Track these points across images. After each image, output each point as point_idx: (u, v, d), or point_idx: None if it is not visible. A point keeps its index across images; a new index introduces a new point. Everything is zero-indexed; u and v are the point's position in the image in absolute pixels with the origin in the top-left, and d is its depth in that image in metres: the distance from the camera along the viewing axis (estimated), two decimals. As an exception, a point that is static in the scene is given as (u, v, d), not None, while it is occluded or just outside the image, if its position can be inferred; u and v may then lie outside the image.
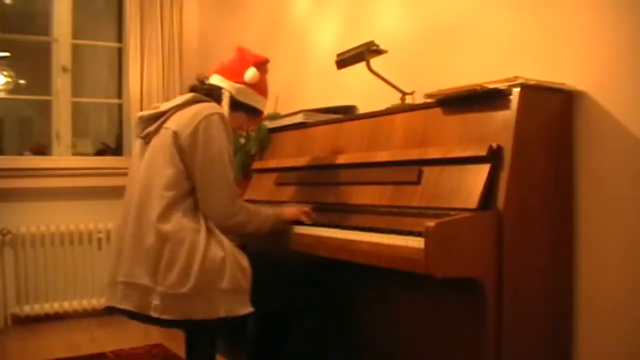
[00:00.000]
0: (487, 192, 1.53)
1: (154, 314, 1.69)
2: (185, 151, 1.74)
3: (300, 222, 1.96)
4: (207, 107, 1.81)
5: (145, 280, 1.70)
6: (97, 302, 3.74)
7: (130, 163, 1.93)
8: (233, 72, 1.99)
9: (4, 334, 3.41)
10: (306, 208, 2.01)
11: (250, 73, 1.97)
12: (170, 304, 1.66)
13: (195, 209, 1.76)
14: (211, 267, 1.68)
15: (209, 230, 1.74)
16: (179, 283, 1.65)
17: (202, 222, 1.74)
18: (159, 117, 1.84)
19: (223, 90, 1.95)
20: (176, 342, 2.90)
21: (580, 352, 1.69)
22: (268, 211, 1.90)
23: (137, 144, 1.91)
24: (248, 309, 1.73)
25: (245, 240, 2.09)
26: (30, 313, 3.57)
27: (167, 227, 1.69)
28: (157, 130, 1.82)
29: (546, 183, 1.63)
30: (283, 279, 1.97)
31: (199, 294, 1.66)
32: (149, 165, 1.79)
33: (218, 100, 1.93)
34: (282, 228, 1.95)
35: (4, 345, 3.22)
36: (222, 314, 1.68)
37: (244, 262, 1.77)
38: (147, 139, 1.85)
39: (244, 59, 2.01)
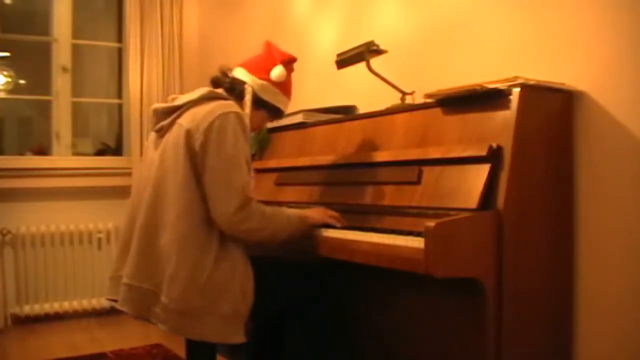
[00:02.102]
0: (487, 192, 1.53)
1: (154, 321, 1.68)
2: (197, 152, 1.66)
3: (327, 225, 1.84)
4: (223, 105, 1.72)
5: (148, 285, 1.68)
6: (97, 302, 3.75)
7: (144, 154, 1.88)
8: (259, 67, 1.88)
9: (4, 334, 3.41)
10: (333, 212, 1.87)
11: (278, 71, 1.86)
12: (170, 317, 1.64)
13: (210, 220, 1.66)
14: (215, 288, 1.63)
15: (221, 246, 1.67)
16: (180, 299, 1.62)
17: (215, 236, 1.66)
18: (174, 112, 1.77)
19: (246, 86, 1.85)
20: (176, 342, 2.90)
21: (580, 352, 1.69)
22: (291, 213, 1.77)
23: (150, 136, 1.87)
24: (241, 339, 1.68)
25: (266, 251, 1.92)
26: (30, 313, 3.57)
27: (179, 235, 1.64)
28: (170, 125, 1.76)
29: (546, 183, 1.63)
30: (283, 280, 1.96)
31: (197, 316, 1.63)
32: (162, 162, 1.73)
33: (240, 95, 1.84)
34: (306, 234, 1.80)
35: (4, 345, 3.22)
36: (215, 339, 1.66)
37: (249, 288, 1.71)
38: (160, 133, 1.79)
39: (271, 55, 1.90)
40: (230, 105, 1.75)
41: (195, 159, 1.67)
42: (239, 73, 1.89)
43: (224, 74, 1.90)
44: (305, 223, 1.80)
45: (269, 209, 1.72)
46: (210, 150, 1.65)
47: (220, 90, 1.84)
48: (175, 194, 1.67)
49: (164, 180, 1.71)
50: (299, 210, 1.84)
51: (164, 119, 1.79)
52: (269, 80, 1.87)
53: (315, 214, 1.84)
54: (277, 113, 1.96)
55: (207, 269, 1.63)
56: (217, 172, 1.65)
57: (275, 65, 1.87)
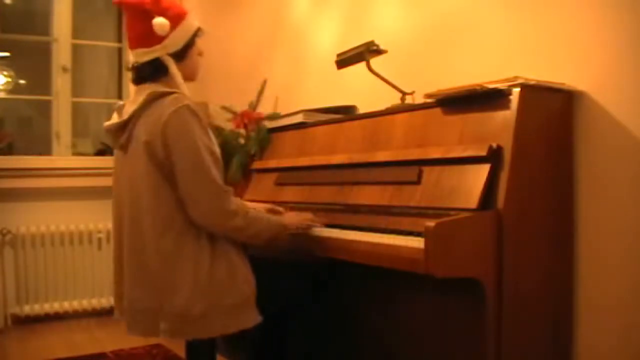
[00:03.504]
0: (487, 192, 1.53)
1: (164, 337, 1.67)
2: (161, 160, 1.63)
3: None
4: (170, 103, 1.65)
5: (149, 302, 1.67)
6: (97, 302, 3.76)
7: (114, 171, 1.86)
8: (146, 37, 1.73)
9: (4, 334, 3.41)
10: (309, 215, 1.90)
11: (159, 24, 1.71)
12: (180, 327, 1.63)
13: (191, 222, 1.66)
14: (218, 285, 1.63)
15: (211, 244, 1.67)
16: (186, 306, 1.61)
17: (203, 236, 1.66)
18: (126, 125, 1.73)
19: (161, 59, 1.74)
20: (176, 342, 2.89)
21: (580, 352, 1.69)
22: (270, 218, 1.78)
23: (115, 153, 1.85)
24: (257, 320, 1.69)
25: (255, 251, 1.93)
26: (30, 313, 3.57)
27: (167, 246, 1.63)
28: (129, 140, 1.72)
29: (546, 183, 1.63)
30: (283, 280, 1.96)
31: (208, 315, 1.62)
32: (133, 178, 1.72)
33: (165, 70, 1.75)
34: (284, 239, 1.81)
35: (4, 345, 3.22)
36: (231, 329, 1.66)
37: (249, 272, 1.72)
38: (124, 150, 1.76)
39: (142, 16, 1.72)
40: (176, 100, 1.66)
41: (162, 167, 1.64)
42: (141, 56, 1.75)
43: (137, 68, 1.78)
44: (284, 230, 1.79)
45: (251, 211, 1.71)
46: (175, 154, 1.62)
47: (151, 86, 1.74)
48: (151, 208, 1.65)
49: (138, 194, 1.69)
50: (276, 217, 1.84)
51: (121, 134, 1.75)
52: (164, 37, 1.73)
53: (293, 219, 1.85)
54: (198, 34, 1.89)
55: (204, 270, 1.63)
56: (188, 174, 1.63)
57: (152, 20, 1.72)
